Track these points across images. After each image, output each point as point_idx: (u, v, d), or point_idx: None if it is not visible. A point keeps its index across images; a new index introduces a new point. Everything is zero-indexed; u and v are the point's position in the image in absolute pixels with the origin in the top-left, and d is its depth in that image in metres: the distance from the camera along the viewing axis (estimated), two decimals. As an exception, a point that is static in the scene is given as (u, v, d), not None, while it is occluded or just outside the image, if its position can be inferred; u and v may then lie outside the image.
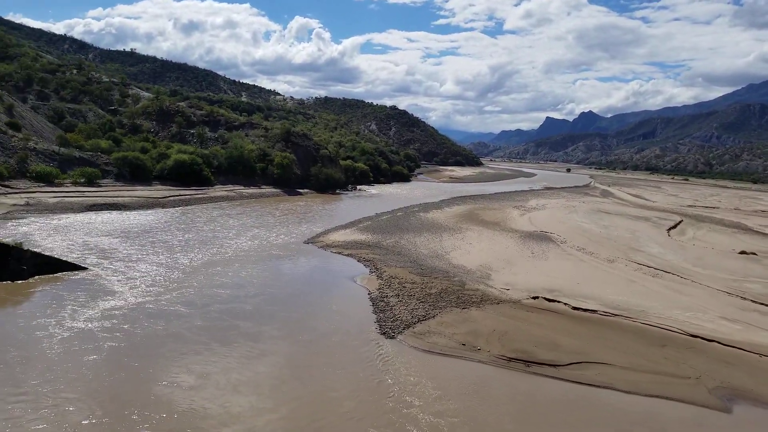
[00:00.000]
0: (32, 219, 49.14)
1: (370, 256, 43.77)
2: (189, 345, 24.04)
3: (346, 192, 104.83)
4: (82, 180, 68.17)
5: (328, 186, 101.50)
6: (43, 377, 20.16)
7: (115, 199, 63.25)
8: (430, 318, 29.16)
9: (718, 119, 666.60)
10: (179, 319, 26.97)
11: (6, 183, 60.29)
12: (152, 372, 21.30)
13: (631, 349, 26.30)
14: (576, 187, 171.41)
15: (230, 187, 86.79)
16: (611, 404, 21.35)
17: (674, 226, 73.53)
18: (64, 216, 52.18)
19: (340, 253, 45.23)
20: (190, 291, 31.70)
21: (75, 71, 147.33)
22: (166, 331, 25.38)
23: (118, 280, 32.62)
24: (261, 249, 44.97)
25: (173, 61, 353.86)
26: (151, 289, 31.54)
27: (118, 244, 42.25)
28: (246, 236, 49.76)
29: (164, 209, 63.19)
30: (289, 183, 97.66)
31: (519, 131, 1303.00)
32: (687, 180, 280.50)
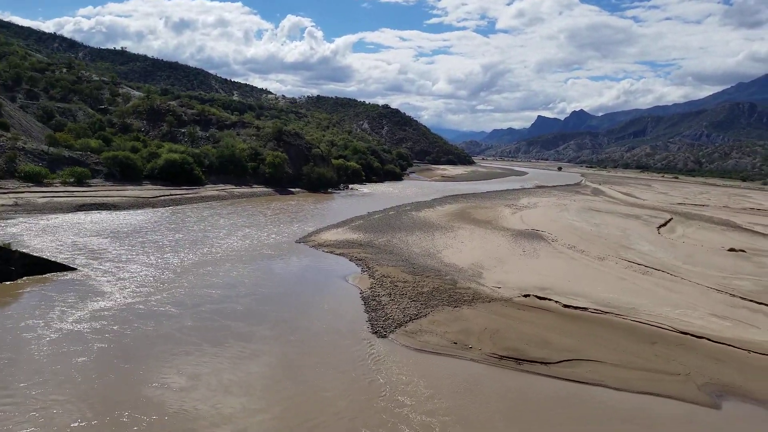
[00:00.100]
0: (21, 219, 48.66)
1: (362, 255, 43.73)
2: (180, 346, 23.89)
3: (338, 191, 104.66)
4: (72, 180, 67.54)
5: (320, 185, 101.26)
6: (31, 379, 19.95)
7: (105, 199, 62.75)
8: (422, 317, 29.16)
9: (707, 118, 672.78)
10: (170, 320, 26.80)
11: (-6, 183, 59.61)
12: (142, 373, 21.14)
13: (621, 346, 26.44)
14: (567, 185, 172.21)
15: (221, 186, 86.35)
16: (602, 401, 21.45)
17: (664, 224, 74.05)
18: (53, 216, 51.71)
19: (332, 252, 45.15)
20: (181, 291, 31.52)
21: (65, 70, 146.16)
22: (156, 332, 25.21)
23: (107, 281, 32.36)
24: (252, 249, 44.80)
25: (164, 59, 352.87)
26: (141, 289, 31.32)
27: (107, 245, 41.93)
28: (237, 236, 49.55)
29: (154, 209, 62.80)
30: (281, 182, 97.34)
31: (511, 130, 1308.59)
32: (677, 178, 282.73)
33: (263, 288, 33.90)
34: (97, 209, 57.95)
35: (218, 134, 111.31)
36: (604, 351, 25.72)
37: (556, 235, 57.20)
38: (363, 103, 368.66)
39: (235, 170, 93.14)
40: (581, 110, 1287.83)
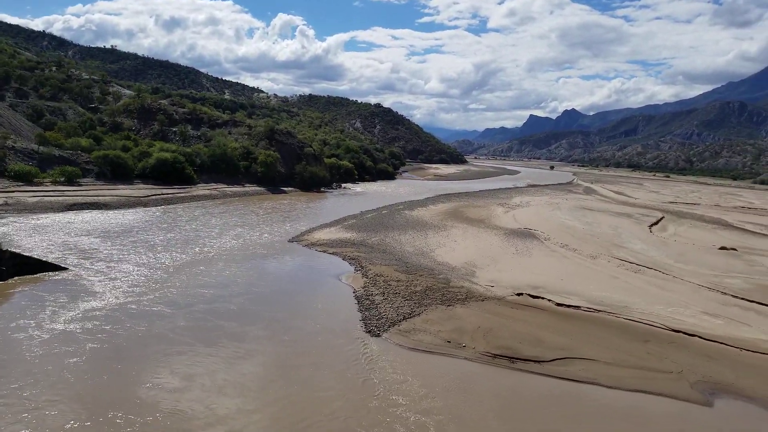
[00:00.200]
0: (11, 219, 48.22)
1: (355, 254, 43.69)
2: (173, 346, 23.76)
3: (331, 190, 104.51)
4: (62, 179, 67.04)
5: (313, 184, 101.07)
6: (23, 380, 19.78)
7: (95, 198, 62.30)
8: (416, 316, 29.18)
9: (698, 117, 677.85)
10: (162, 320, 26.65)
11: (-17, 182, 59.06)
12: (136, 374, 21.01)
13: (614, 344, 26.59)
14: (559, 184, 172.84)
15: (213, 185, 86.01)
16: (595, 399, 21.56)
17: (656, 223, 74.52)
18: (43, 215, 51.29)
19: (325, 251, 45.07)
20: (173, 291, 31.35)
21: (54, 68, 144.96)
22: (149, 332, 25.06)
23: (99, 281, 32.14)
24: (245, 248, 44.63)
25: (155, 58, 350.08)
26: (133, 289, 31.13)
27: (99, 244, 41.63)
28: (229, 235, 49.35)
29: (146, 208, 62.44)
30: (273, 181, 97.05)
31: (503, 129, 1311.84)
32: (668, 177, 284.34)
33: (256, 287, 33.79)
34: (88, 209, 57.54)
35: (210, 133, 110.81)
36: (597, 349, 25.84)
37: (549, 234, 57.41)
38: (355, 102, 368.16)
39: (227, 169, 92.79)
40: (573, 109, 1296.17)
